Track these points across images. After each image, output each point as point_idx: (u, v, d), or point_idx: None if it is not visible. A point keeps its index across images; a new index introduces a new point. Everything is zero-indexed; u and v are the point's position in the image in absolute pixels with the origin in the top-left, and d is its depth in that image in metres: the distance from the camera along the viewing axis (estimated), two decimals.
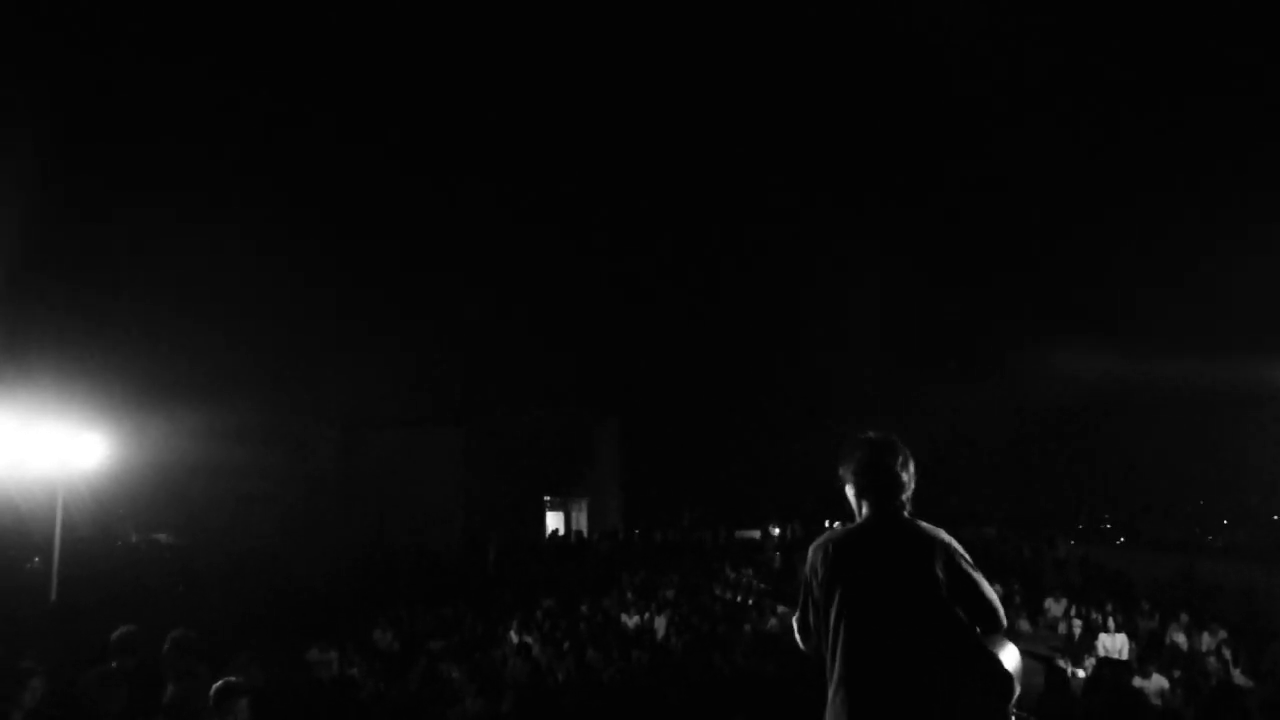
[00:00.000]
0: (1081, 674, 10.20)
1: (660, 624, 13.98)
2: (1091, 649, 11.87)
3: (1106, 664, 10.06)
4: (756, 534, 26.04)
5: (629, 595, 16.55)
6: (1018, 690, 2.90)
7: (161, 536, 20.32)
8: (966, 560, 3.07)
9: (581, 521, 28.83)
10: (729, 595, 16.71)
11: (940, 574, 3.00)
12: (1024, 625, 13.74)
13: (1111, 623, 12.53)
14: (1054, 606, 14.75)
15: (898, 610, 3.00)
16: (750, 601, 15.83)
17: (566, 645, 11.59)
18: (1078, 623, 13.44)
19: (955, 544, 3.08)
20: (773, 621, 13.59)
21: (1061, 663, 10.59)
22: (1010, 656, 2.97)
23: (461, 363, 26.38)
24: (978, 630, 3.03)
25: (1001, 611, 3.08)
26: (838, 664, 3.05)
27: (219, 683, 4.80)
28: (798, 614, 3.28)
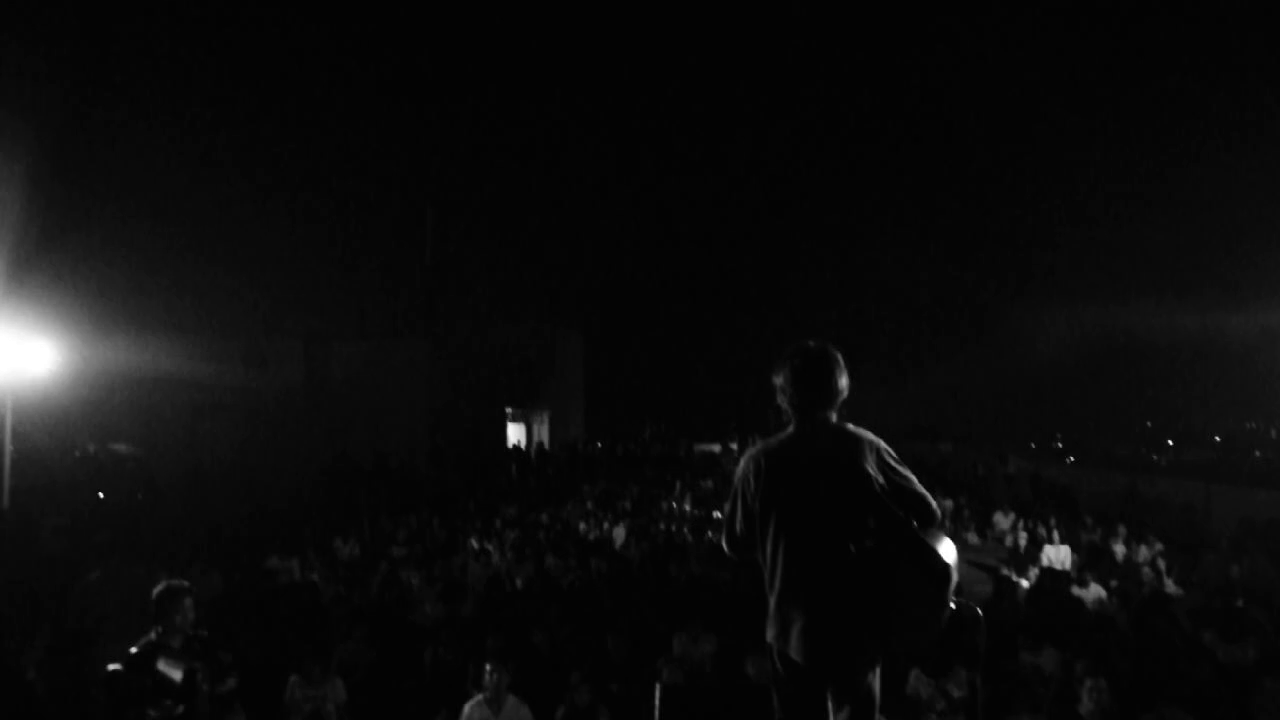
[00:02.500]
0: (1026, 583, 10.48)
1: (619, 534, 14.11)
2: (1036, 560, 12.18)
3: (1049, 574, 10.38)
4: (716, 448, 26.31)
5: (589, 506, 16.68)
6: (955, 579, 2.95)
7: (120, 447, 20.11)
8: (895, 458, 3.11)
9: (543, 434, 28.89)
10: (688, 508, 16.83)
11: (873, 472, 3.04)
12: (973, 538, 14.03)
13: (1056, 535, 12.85)
14: (1002, 520, 15.03)
15: (835, 512, 3.04)
16: (709, 514, 16.02)
17: (526, 552, 11.66)
18: (1024, 535, 13.79)
19: (883, 444, 3.11)
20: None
21: (1007, 572, 10.91)
22: (946, 548, 3.02)
23: (425, 276, 26.08)
24: (914, 524, 3.08)
25: (934, 504, 3.12)
26: (779, 572, 3.08)
27: (161, 585, 4.68)
28: (725, 520, 3.31)
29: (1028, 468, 23.16)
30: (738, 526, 3.24)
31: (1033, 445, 30.80)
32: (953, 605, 3.01)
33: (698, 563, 11.20)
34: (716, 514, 15.32)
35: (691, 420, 31.88)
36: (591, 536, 14.07)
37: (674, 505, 17.28)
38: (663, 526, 14.82)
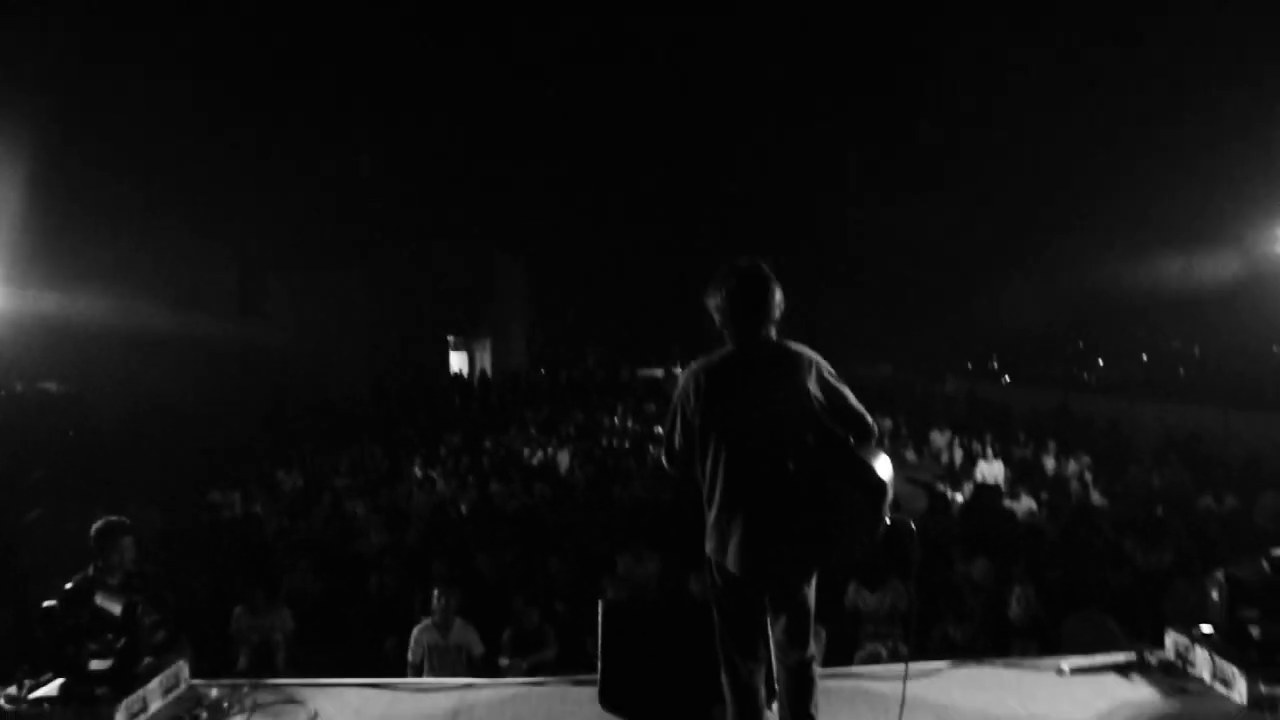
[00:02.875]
0: (961, 498, 10.63)
1: (563, 458, 14.22)
2: (970, 475, 12.43)
3: (983, 489, 10.58)
4: (659, 372, 26.42)
5: (532, 431, 16.66)
6: (890, 494, 3.00)
7: (50, 385, 19.47)
8: (833, 375, 3.14)
9: (486, 361, 28.80)
10: (630, 423, 16.93)
11: (812, 389, 3.07)
12: (910, 455, 14.41)
13: (990, 451, 13.15)
14: (939, 438, 15.34)
15: (773, 429, 3.06)
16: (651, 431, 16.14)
17: (470, 479, 11.72)
18: (959, 452, 14.14)
19: (822, 360, 3.14)
20: None
21: (943, 488, 11.09)
22: (883, 465, 3.06)
23: (361, 200, 25.34)
24: (851, 441, 3.12)
25: (870, 421, 3.16)
26: (718, 487, 3.11)
27: (99, 522, 4.56)
28: (665, 436, 3.32)
29: (964, 387, 23.56)
30: (676, 442, 3.26)
31: (969, 365, 31.36)
32: (888, 520, 3.05)
33: (642, 485, 11.31)
34: (659, 428, 15.39)
35: (635, 346, 31.70)
36: (535, 462, 14.13)
37: (615, 421, 17.43)
38: (605, 443, 15.00)
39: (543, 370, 28.05)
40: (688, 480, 3.26)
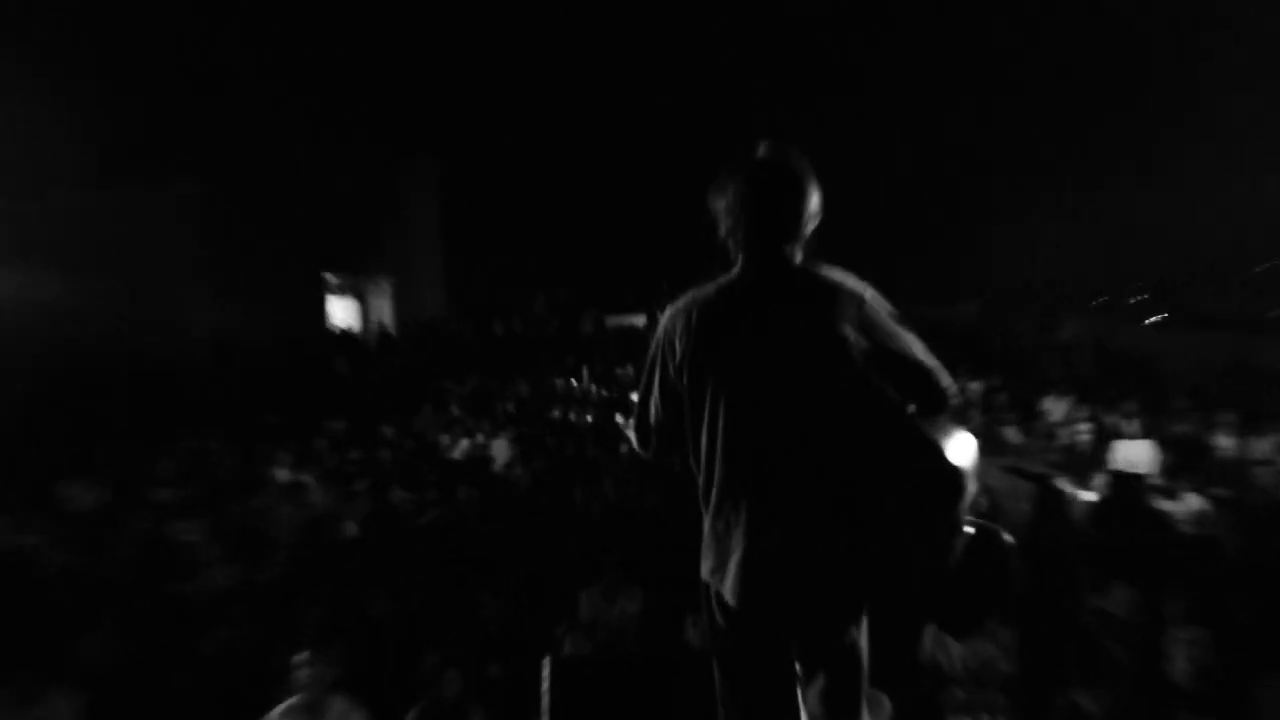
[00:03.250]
0: (1089, 496, 10.53)
1: (499, 448, 14.39)
2: (1104, 462, 12.06)
3: (1123, 481, 10.39)
4: (640, 320, 26.01)
5: (454, 412, 16.71)
6: (971, 490, 3.05)
7: None
8: (889, 312, 3.18)
9: (385, 312, 28.83)
10: (601, 395, 17.26)
11: (851, 335, 3.09)
12: (1011, 434, 14.11)
13: (1132, 427, 12.74)
14: (1053, 407, 15.15)
15: (795, 391, 3.10)
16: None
17: (361, 484, 11.81)
18: (1086, 428, 13.81)
19: (872, 293, 3.19)
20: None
21: (1061, 482, 10.80)
22: (961, 446, 3.11)
23: (193, 91, 24.71)
24: (911, 410, 3.18)
25: (946, 379, 3.20)
26: (716, 478, 3.18)
27: None
28: (638, 404, 3.45)
29: (1090, 332, 23.42)
30: (654, 413, 3.37)
31: (1098, 301, 31.02)
32: (970, 529, 3.12)
33: (615, 485, 11.49)
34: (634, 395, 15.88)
35: (602, 283, 30.80)
36: (459, 455, 14.33)
37: (575, 391, 17.73)
38: (560, 424, 15.18)
39: (470, 322, 27.19)
40: (671, 469, 3.27)
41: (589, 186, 33.50)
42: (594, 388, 18.26)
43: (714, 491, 3.21)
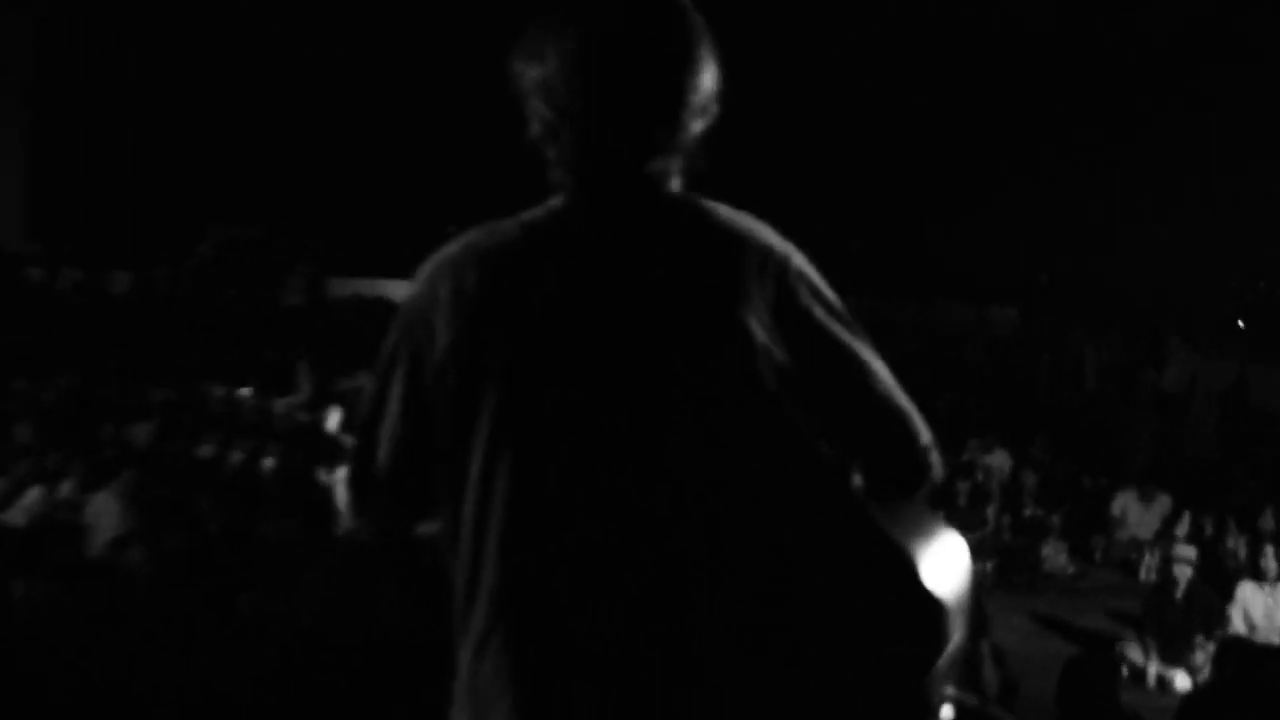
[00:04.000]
0: (1183, 679, 9.75)
1: (102, 510, 11.69)
2: (1214, 619, 10.43)
3: (1245, 655, 8.72)
4: (400, 287, 21.20)
5: (20, 436, 13.86)
6: (956, 641, 2.32)
7: None
8: (828, 299, 2.37)
9: None
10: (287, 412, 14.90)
11: (759, 334, 2.28)
12: (1053, 552, 13.14)
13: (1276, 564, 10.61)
14: (1133, 506, 13.50)
15: (646, 432, 2.30)
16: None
17: None
18: (1188, 555, 11.35)
19: (799, 259, 2.38)
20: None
21: (1133, 649, 10.25)
22: (945, 558, 2.40)
23: None
24: (855, 482, 2.42)
25: (923, 433, 2.39)
26: (487, 574, 2.36)
27: None
28: (359, 430, 2.57)
29: (1210, 376, 18.98)
30: (385, 445, 2.45)
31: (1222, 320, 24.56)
32: (946, 709, 2.41)
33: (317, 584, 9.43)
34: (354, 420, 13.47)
35: (333, 222, 24.64)
36: (21, 517, 11.48)
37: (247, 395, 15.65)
38: (219, 451, 13.11)
39: (70, 267, 22.26)
40: (419, 560, 3.13)
41: (325, 37, 26.40)
42: (287, 406, 15.25)
43: (479, 605, 2.31)
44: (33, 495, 11.69)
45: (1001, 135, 27.23)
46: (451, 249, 2.46)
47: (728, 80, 2.39)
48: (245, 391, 15.49)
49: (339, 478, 3.53)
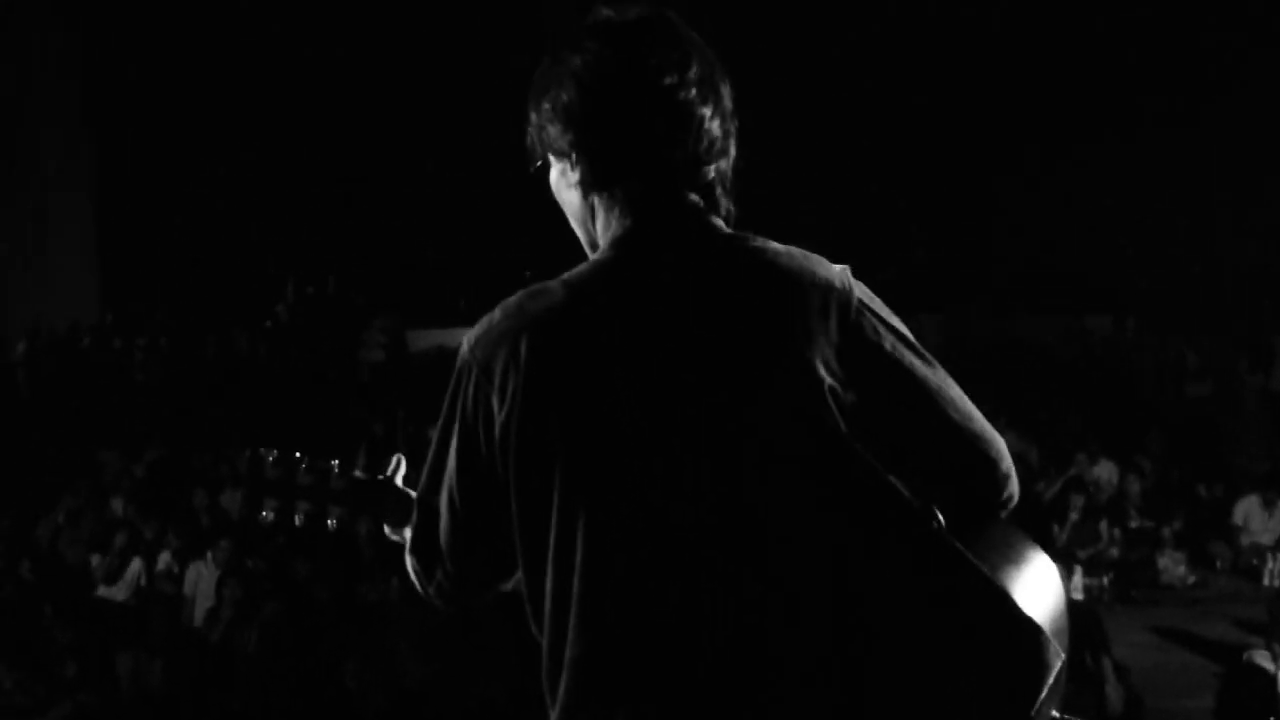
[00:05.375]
0: None
1: (200, 581, 11.95)
2: None
3: None
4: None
5: (116, 509, 13.86)
6: (1057, 664, 2.17)
7: None
8: (892, 328, 2.31)
9: None
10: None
11: (825, 375, 2.22)
12: (1170, 564, 12.65)
13: None
14: (1255, 511, 13.28)
15: (722, 491, 2.22)
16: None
17: None
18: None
19: (860, 289, 2.33)
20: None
21: (1262, 659, 9.34)
22: (1038, 582, 2.36)
23: None
24: (937, 516, 2.32)
25: (1001, 452, 2.36)
26: (570, 648, 2.32)
27: None
28: (419, 506, 2.56)
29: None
30: (445, 521, 2.46)
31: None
32: None
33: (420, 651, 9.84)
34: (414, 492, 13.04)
35: (409, 271, 24.81)
36: (122, 592, 12.14)
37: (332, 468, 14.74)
38: (310, 515, 12.93)
39: (150, 334, 22.03)
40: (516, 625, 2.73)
41: (393, 84, 25.96)
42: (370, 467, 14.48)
43: (564, 675, 2.27)
44: (133, 568, 12.06)
45: (1075, 134, 26.83)
46: (496, 317, 2.41)
47: (745, 89, 2.33)
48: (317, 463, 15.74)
49: (404, 545, 2.37)
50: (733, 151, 2.37)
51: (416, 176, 25.76)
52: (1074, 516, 13.70)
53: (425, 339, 21.92)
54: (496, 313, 2.41)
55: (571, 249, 2.54)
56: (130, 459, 15.55)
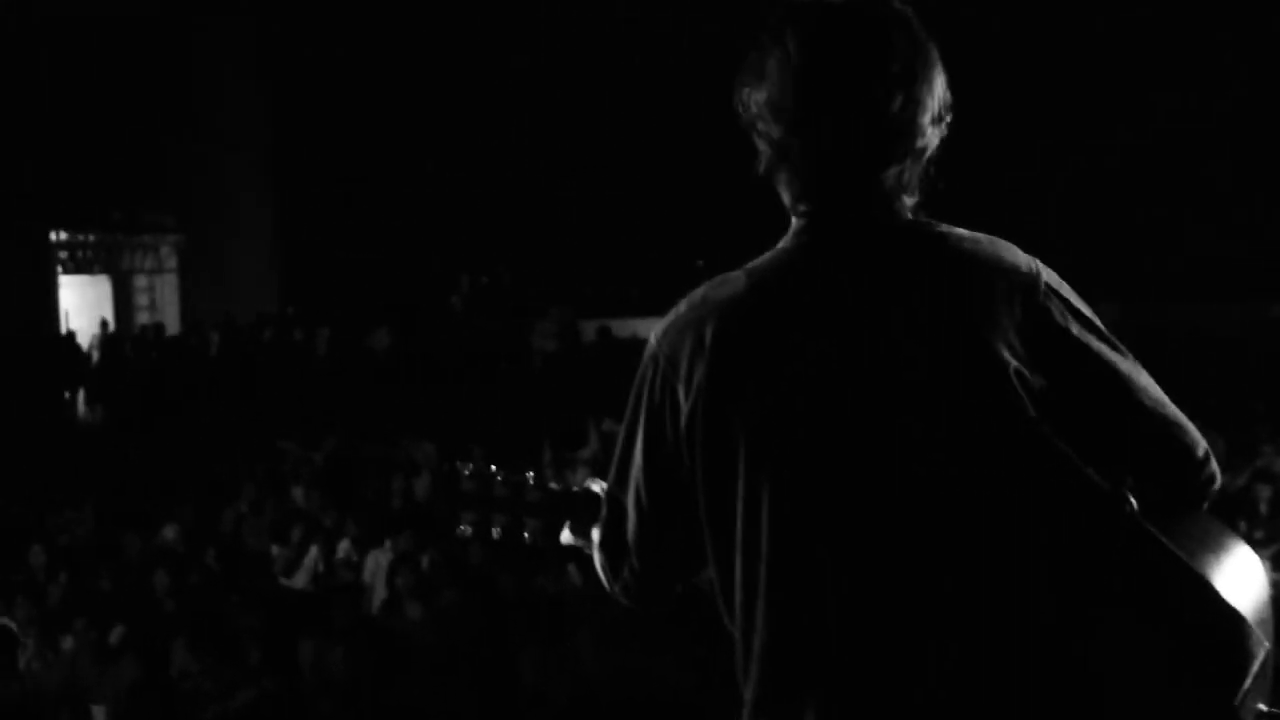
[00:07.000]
0: None
1: (378, 569, 12.32)
2: None
3: None
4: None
5: (297, 498, 14.29)
6: (1261, 654, 2.21)
7: None
8: (1080, 314, 2.32)
9: (165, 303, 25.30)
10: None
11: (1012, 362, 2.25)
12: None
13: None
14: None
15: (914, 478, 2.28)
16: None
17: (116, 637, 10.55)
18: None
19: (1047, 277, 2.34)
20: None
21: None
22: (1240, 571, 2.34)
23: None
24: (1131, 503, 2.30)
25: (1196, 439, 2.33)
26: (760, 635, 2.37)
27: None
28: (606, 500, 2.63)
29: None
30: (633, 515, 2.52)
31: None
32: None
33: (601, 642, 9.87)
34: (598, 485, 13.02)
35: (583, 262, 25.07)
36: (303, 580, 12.46)
37: (484, 470, 14.87)
38: (492, 508, 13.33)
39: (328, 326, 22.75)
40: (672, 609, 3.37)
41: (561, 80, 26.40)
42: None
43: (757, 666, 2.34)
44: (312, 556, 12.36)
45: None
46: (681, 309, 2.49)
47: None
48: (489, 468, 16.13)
49: (588, 545, 2.42)
50: (931, 136, 2.33)
51: (588, 168, 25.98)
52: (1262, 509, 13.23)
53: (594, 329, 22.05)
54: (682, 304, 2.47)
55: (744, 237, 2.63)
56: (309, 448, 16.01)
